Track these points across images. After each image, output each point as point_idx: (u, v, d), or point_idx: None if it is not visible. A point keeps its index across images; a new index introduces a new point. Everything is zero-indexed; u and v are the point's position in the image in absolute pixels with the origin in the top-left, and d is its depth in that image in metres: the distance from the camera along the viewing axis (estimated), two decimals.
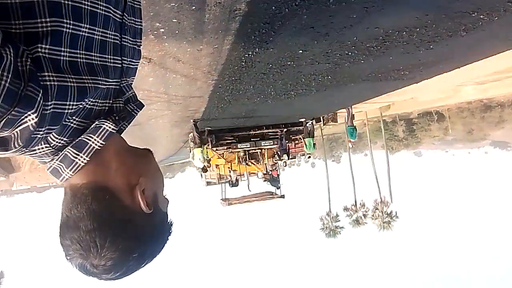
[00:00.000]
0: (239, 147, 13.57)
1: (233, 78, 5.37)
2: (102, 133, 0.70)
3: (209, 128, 11.42)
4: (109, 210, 0.70)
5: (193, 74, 4.75)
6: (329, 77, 5.92)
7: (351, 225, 37.59)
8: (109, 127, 0.71)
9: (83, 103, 0.64)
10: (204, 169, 13.08)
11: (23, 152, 0.62)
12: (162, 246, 0.79)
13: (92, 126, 0.69)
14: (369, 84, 7.12)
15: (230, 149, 13.65)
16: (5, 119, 0.50)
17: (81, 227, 0.67)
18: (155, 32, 3.06)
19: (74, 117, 0.66)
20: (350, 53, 4.71)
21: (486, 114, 61.98)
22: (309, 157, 15.89)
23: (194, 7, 2.76)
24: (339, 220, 37.23)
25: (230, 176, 15.80)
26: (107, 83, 0.69)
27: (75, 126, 0.67)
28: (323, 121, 14.22)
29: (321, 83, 6.26)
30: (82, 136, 0.69)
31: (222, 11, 2.93)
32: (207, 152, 12.78)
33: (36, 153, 0.67)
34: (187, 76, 4.78)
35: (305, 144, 12.92)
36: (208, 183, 18.50)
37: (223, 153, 14.50)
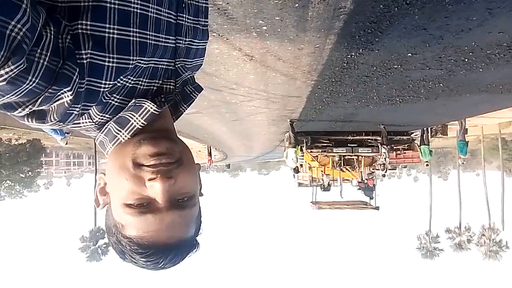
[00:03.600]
0: (334, 151, 13.25)
1: (333, 80, 5.24)
2: (144, 112, 0.68)
3: (305, 130, 11.38)
4: None
5: (292, 73, 4.75)
6: (441, 84, 5.43)
7: (452, 249, 34.38)
8: (151, 107, 0.68)
9: (122, 81, 0.63)
10: (296, 170, 13.09)
11: (61, 126, 0.61)
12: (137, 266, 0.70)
13: (131, 103, 0.68)
14: (487, 96, 6.36)
15: (325, 153, 13.41)
16: (43, 96, 0.51)
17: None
18: (258, 29, 3.11)
19: (115, 95, 0.65)
20: (467, 60, 4.24)
21: None
22: (427, 164, 14.82)
23: (297, 4, 2.74)
24: (439, 242, 34.44)
25: (323, 180, 15.55)
26: (152, 62, 0.67)
27: (117, 103, 0.66)
28: (431, 133, 13.16)
29: (432, 90, 5.77)
30: (123, 113, 0.68)
31: (326, 8, 2.86)
32: (301, 153, 12.76)
33: (81, 126, 0.68)
34: (286, 75, 4.80)
35: (421, 152, 12.47)
36: (300, 184, 18.49)
37: (317, 156, 14.32)
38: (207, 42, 0.81)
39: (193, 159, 0.73)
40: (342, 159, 14.15)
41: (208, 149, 20.56)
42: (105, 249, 30.29)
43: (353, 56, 4.14)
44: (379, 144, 11.55)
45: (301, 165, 14.06)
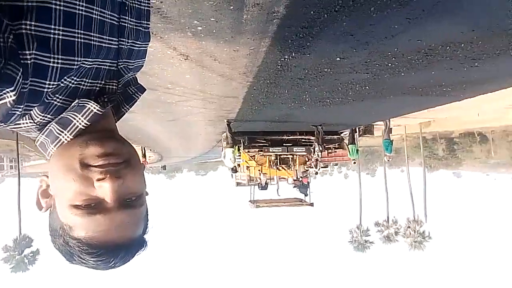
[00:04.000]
0: (271, 150, 13.56)
1: (268, 81, 5.36)
2: (87, 113, 0.68)
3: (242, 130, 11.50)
4: None
5: (229, 74, 4.78)
6: (368, 87, 5.79)
7: (381, 241, 36.70)
8: (94, 108, 0.68)
9: (65, 82, 0.62)
10: (234, 170, 13.17)
11: (2, 126, 0.61)
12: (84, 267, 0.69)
13: (74, 104, 0.67)
14: (409, 98, 6.90)
15: (262, 152, 13.66)
16: None
17: None
18: (193, 29, 3.10)
19: (57, 95, 0.65)
20: (390, 64, 4.57)
21: None
22: (355, 162, 15.74)
23: (232, 7, 2.77)
24: (369, 235, 36.52)
25: (260, 179, 15.81)
26: (96, 63, 0.67)
27: (59, 104, 0.66)
28: (359, 132, 13.97)
29: (359, 93, 6.13)
30: (65, 113, 0.68)
31: (260, 12, 2.93)
32: (238, 153, 12.86)
33: (21, 127, 0.67)
34: (223, 75, 4.82)
35: (349, 151, 13.30)
36: (238, 184, 18.62)
37: (254, 156, 14.53)
38: (148, 44, 0.82)
39: (140, 159, 0.74)
40: (278, 158, 14.50)
41: (142, 150, 19.92)
42: (32, 258, 28.00)
43: (286, 59, 4.26)
44: (314, 142, 12.02)
45: (239, 165, 14.18)
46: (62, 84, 0.62)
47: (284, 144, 13.17)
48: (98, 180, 0.64)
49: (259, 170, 15.47)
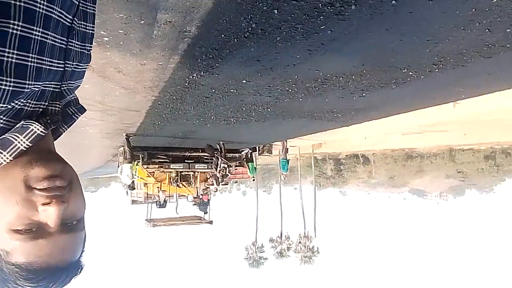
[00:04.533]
0: (171, 167, 13.28)
1: (174, 97, 5.32)
2: (30, 134, 0.67)
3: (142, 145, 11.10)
4: None
5: (133, 87, 4.63)
6: (269, 109, 6.10)
7: (275, 257, 38.01)
8: (38, 129, 0.68)
9: (12, 104, 0.62)
10: (131, 186, 12.57)
11: None
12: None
13: (18, 125, 0.66)
14: (305, 121, 7.44)
15: (162, 169, 13.30)
16: None
17: None
18: (99, 39, 2.97)
19: (1, 116, 0.63)
20: (290, 90, 4.91)
21: (407, 163, 67.33)
22: (253, 179, 16.20)
23: (143, 21, 2.73)
24: (263, 251, 37.52)
25: (159, 196, 15.31)
26: (43, 86, 0.68)
27: (2, 125, 0.64)
28: (259, 151, 14.51)
29: (261, 114, 6.42)
30: (7, 134, 0.65)
31: (172, 30, 2.94)
32: (136, 169, 12.33)
33: None
34: (126, 88, 4.65)
35: (249, 168, 13.79)
36: (134, 202, 17.74)
37: (153, 172, 14.07)
38: (88, 65, 0.83)
39: (79, 180, 0.73)
40: (179, 175, 14.26)
41: None
42: None
43: (194, 77, 4.30)
44: (218, 158, 12.08)
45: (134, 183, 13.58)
46: (9, 106, 0.61)
47: (186, 161, 13.02)
48: (44, 204, 0.63)
49: (158, 187, 15.00)
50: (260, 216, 38.03)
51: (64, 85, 0.75)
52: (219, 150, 11.54)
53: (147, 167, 13.06)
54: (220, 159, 11.71)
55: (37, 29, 0.60)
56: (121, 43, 3.10)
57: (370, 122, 8.21)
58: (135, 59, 3.52)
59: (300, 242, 36.81)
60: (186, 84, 4.59)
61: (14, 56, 0.57)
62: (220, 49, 3.43)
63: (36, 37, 0.60)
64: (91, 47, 0.82)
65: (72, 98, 0.79)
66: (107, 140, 10.21)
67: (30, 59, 0.60)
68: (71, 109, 0.78)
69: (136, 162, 11.83)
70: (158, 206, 16.53)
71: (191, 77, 4.30)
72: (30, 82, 0.61)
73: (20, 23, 0.56)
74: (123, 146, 10.36)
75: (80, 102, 0.81)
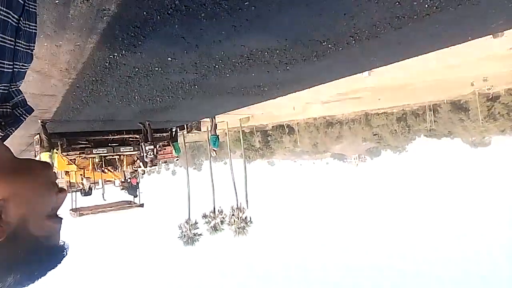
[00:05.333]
0: (94, 152, 12.57)
1: (93, 79, 5.02)
2: None
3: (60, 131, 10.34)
4: None
5: (47, 70, 4.29)
6: (196, 86, 6.04)
7: (209, 232, 38.38)
8: None
9: None
10: None
11: None
12: (41, 272, 0.72)
13: None
14: (232, 97, 7.49)
15: (84, 155, 12.54)
16: None
17: None
18: None
19: None
20: (217, 66, 4.90)
21: (328, 130, 71.15)
22: (177, 159, 15.95)
23: (58, 1, 2.53)
24: (197, 228, 37.65)
25: (83, 184, 14.48)
26: None
27: None
28: (187, 129, 14.31)
29: (188, 91, 6.33)
30: None
31: (89, 9, 2.76)
32: (55, 157, 11.51)
33: None
34: (40, 72, 4.28)
35: (174, 148, 13.52)
36: None
37: (75, 159, 13.23)
38: (30, 64, 0.81)
39: None
40: (103, 160, 13.58)
41: None
42: None
43: (115, 57, 4.10)
44: (141, 142, 11.67)
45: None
46: None
47: (109, 145, 12.41)
48: (59, 192, 0.77)
49: (81, 174, 14.17)
50: (192, 193, 37.94)
51: (12, 86, 0.73)
52: (144, 132, 11.11)
53: (67, 155, 12.23)
54: (145, 142, 11.30)
55: None
56: None
57: (293, 94, 8.51)
58: (49, 41, 3.26)
59: (233, 215, 37.50)
60: (107, 64, 4.36)
61: None
62: (143, 27, 3.30)
63: None
64: (35, 46, 0.81)
65: (20, 99, 0.77)
66: (20, 129, 9.36)
67: None
68: (19, 110, 0.76)
69: (54, 150, 11.03)
70: (83, 195, 15.64)
71: (111, 56, 4.08)
72: None
73: None
74: (38, 133, 9.58)
75: (28, 103, 0.78)
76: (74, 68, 4.37)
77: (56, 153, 11.61)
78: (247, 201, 37.57)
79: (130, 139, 12.77)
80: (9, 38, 0.67)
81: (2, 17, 0.63)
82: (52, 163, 10.23)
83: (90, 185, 14.76)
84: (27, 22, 0.75)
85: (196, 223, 37.69)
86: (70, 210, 16.45)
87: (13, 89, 0.74)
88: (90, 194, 15.77)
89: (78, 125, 9.78)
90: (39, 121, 8.16)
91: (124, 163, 14.27)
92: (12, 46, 0.69)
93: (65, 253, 0.77)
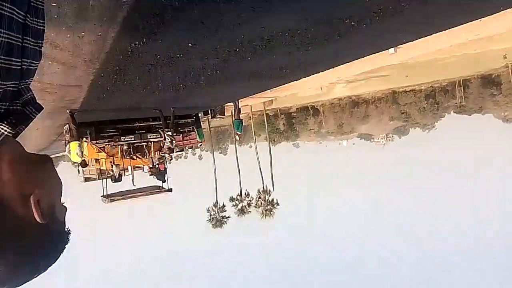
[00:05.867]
0: (122, 140, 12.86)
1: (117, 68, 5.09)
2: None
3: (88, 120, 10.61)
4: (0, 221, 0.65)
5: (72, 61, 4.37)
6: (218, 72, 6.02)
7: (236, 214, 38.85)
8: (5, 130, 0.67)
9: None
10: (83, 164, 12.13)
11: None
12: (58, 256, 0.77)
13: None
14: (255, 80, 7.44)
15: (113, 142, 12.86)
16: None
17: None
18: None
19: None
20: (237, 50, 4.86)
21: (354, 110, 69.94)
22: (201, 144, 16.14)
23: None
24: (225, 210, 38.16)
25: (113, 171, 14.89)
26: (5, 86, 0.66)
27: None
28: (211, 114, 14.39)
29: (210, 77, 6.33)
30: None
31: None
32: (84, 146, 11.85)
33: None
34: (65, 63, 4.37)
35: (197, 134, 13.71)
36: (87, 179, 17.15)
37: (104, 147, 13.58)
38: (40, 61, 0.80)
39: None
40: (131, 147, 13.88)
41: None
42: None
43: (137, 45, 4.12)
44: (162, 129, 11.77)
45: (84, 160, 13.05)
46: None
47: (136, 132, 12.64)
48: None
49: (110, 161, 14.56)
50: (219, 177, 38.40)
51: (22, 84, 0.73)
52: (165, 119, 11.13)
53: (96, 143, 12.57)
54: (165, 128, 11.35)
55: (2, 30, 0.59)
56: (55, 17, 2.89)
57: (317, 74, 8.38)
58: (71, 32, 3.31)
59: (259, 198, 37.75)
60: (129, 53, 4.40)
61: None
62: (162, 14, 3.29)
63: (4, 39, 0.60)
64: (43, 43, 0.81)
65: (29, 96, 0.77)
66: (49, 120, 9.66)
67: None
68: (28, 108, 0.77)
69: (83, 138, 11.35)
70: (113, 181, 16.11)
71: (133, 45, 4.11)
72: (2, 82, 0.61)
73: None
74: (67, 123, 9.86)
75: (37, 101, 0.79)
76: (97, 58, 4.43)
77: (86, 141, 11.94)
78: (273, 183, 37.73)
79: (157, 125, 12.96)
80: (16, 35, 0.67)
81: (7, 13, 0.63)
82: (82, 151, 10.53)
83: (119, 172, 15.17)
84: (34, 19, 0.75)
85: (224, 206, 38.22)
86: (102, 196, 17.01)
87: (23, 86, 0.74)
88: (120, 181, 16.20)
89: (105, 114, 10.01)
90: (67, 111, 8.38)
91: (152, 149, 14.55)
92: (20, 43, 0.69)
93: (68, 239, 0.80)
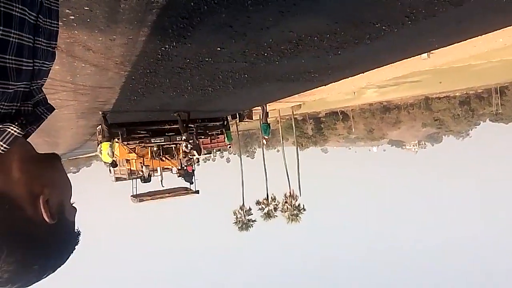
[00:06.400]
0: (152, 141, 13.13)
1: (147, 71, 5.19)
2: (7, 137, 0.67)
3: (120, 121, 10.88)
4: (9, 221, 0.66)
5: (104, 64, 4.49)
6: (246, 75, 6.04)
7: (262, 218, 38.77)
8: (15, 131, 0.67)
9: None
10: (114, 164, 12.46)
11: None
12: (68, 257, 0.77)
13: None
14: (282, 84, 7.41)
15: (143, 144, 13.15)
16: None
17: None
18: (64, 19, 2.84)
19: None
20: (265, 54, 4.86)
21: (385, 115, 68.60)
22: (229, 147, 16.32)
23: None
24: (251, 214, 38.19)
25: (142, 171, 15.24)
26: (16, 86, 0.66)
27: None
28: (239, 118, 14.46)
29: (238, 80, 6.36)
30: None
31: (139, 2, 2.83)
32: (116, 146, 12.17)
33: None
34: (97, 66, 4.50)
35: (226, 136, 13.79)
36: (118, 179, 17.64)
37: (134, 148, 13.91)
38: (53, 63, 0.81)
39: None
40: (160, 148, 14.15)
41: None
42: None
43: (167, 49, 4.19)
44: (191, 133, 11.80)
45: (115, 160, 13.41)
46: None
47: (166, 134, 12.87)
48: None
49: (140, 162, 14.90)
50: (246, 180, 38.49)
51: (33, 85, 0.74)
52: (182, 122, 11.11)
53: (127, 144, 12.90)
54: (182, 133, 11.33)
55: (13, 31, 0.60)
56: (88, 20, 2.98)
57: (346, 79, 8.25)
58: (103, 35, 3.40)
59: (286, 202, 37.54)
60: (159, 56, 4.48)
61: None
62: (190, 17, 3.33)
63: (15, 40, 0.60)
64: (56, 44, 0.82)
65: (41, 97, 0.78)
66: (82, 120, 9.99)
67: (7, 60, 0.60)
68: (40, 109, 0.77)
69: (115, 139, 11.66)
70: (142, 181, 16.49)
71: (163, 48, 4.18)
72: (13, 83, 0.61)
73: None
74: (100, 124, 10.16)
75: (49, 101, 0.80)
76: (128, 61, 4.54)
77: (117, 142, 12.27)
78: (300, 188, 37.45)
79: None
80: (28, 35, 0.67)
81: (19, 14, 0.63)
82: (113, 152, 10.81)
83: (149, 172, 15.51)
84: (47, 20, 0.75)
85: (250, 209, 38.25)
86: (131, 196, 17.42)
87: (34, 87, 0.75)
88: (150, 181, 16.56)
89: (136, 115, 10.24)
90: (100, 112, 8.63)
91: (180, 151, 14.78)
92: (31, 44, 0.70)
93: (79, 240, 0.79)
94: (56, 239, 0.73)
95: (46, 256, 0.71)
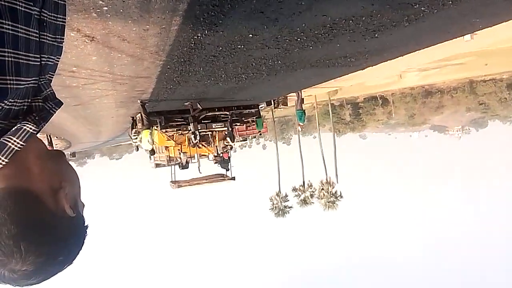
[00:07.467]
0: (189, 129, 13.37)
1: (182, 60, 5.25)
2: (22, 134, 0.68)
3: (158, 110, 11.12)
4: (34, 214, 0.68)
5: (139, 54, 4.58)
6: (279, 62, 5.97)
7: (299, 205, 38.72)
8: (30, 128, 0.68)
9: (2, 104, 0.62)
10: (153, 151, 12.81)
11: None
12: (80, 249, 0.79)
13: (13, 129, 0.67)
14: (317, 70, 7.27)
15: (180, 131, 13.42)
16: None
17: (3, 232, 0.64)
18: (98, 10, 2.90)
19: None
20: (299, 39, 4.76)
21: (427, 100, 65.92)
22: (260, 134, 16.45)
23: None
24: (288, 200, 38.21)
25: (180, 158, 15.59)
26: (27, 82, 0.67)
27: None
28: (274, 104, 14.40)
29: (272, 67, 6.30)
30: (1, 138, 0.67)
31: None
32: (155, 134, 12.50)
33: None
34: (133, 55, 4.60)
35: (256, 124, 13.99)
36: (157, 165, 18.15)
37: (172, 135, 14.22)
38: (60, 57, 0.82)
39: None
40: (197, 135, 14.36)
41: (47, 138, 18.31)
42: None
43: (199, 37, 4.21)
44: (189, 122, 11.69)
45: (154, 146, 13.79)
46: None
47: (202, 122, 13.06)
48: None
49: (178, 149, 15.22)
50: (282, 167, 38.50)
51: (42, 80, 0.74)
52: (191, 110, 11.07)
53: (166, 131, 13.20)
54: (192, 122, 11.21)
55: (7, 22, 0.59)
56: (121, 10, 3.03)
57: (385, 63, 7.96)
58: (137, 25, 3.45)
59: (322, 189, 37.21)
60: (192, 45, 4.51)
61: (11, 54, 0.57)
62: (221, 5, 3.31)
63: (8, 31, 0.60)
64: (62, 38, 0.81)
65: (49, 92, 0.78)
66: (122, 108, 10.30)
67: (6, 54, 0.59)
68: (48, 104, 0.78)
69: (154, 127, 11.97)
70: (181, 168, 16.86)
71: (195, 37, 4.20)
72: (12, 78, 0.61)
73: None
74: (139, 113, 10.44)
75: (57, 96, 0.80)
76: (163, 50, 4.60)
77: (156, 130, 12.60)
78: (337, 175, 36.97)
79: (221, 115, 13.27)
80: (34, 30, 0.68)
81: (24, 9, 0.63)
82: (153, 139, 11.11)
83: (187, 159, 15.84)
84: (53, 14, 0.75)
85: (286, 196, 38.27)
86: (170, 182, 17.92)
87: (43, 82, 0.75)
88: (187, 168, 16.91)
89: (173, 103, 10.43)
90: (139, 101, 8.87)
91: (217, 138, 14.96)
92: (37, 39, 0.70)
93: (87, 233, 0.81)
94: (74, 232, 0.75)
95: (68, 247, 0.73)
